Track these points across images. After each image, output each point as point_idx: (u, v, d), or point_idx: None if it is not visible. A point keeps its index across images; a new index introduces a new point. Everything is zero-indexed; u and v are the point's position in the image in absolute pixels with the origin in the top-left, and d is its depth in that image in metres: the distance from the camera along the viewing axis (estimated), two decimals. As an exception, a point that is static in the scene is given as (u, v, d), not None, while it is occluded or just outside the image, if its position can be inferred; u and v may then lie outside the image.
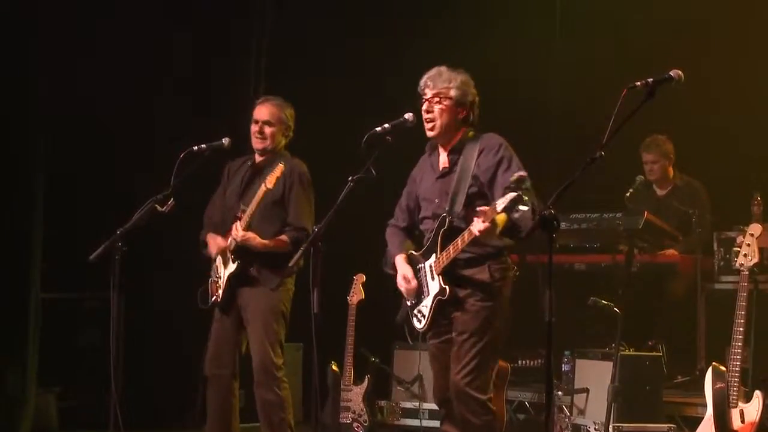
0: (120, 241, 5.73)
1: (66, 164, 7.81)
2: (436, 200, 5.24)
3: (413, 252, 5.33)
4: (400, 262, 5.31)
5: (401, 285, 5.24)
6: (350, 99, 8.41)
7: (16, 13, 7.37)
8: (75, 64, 7.69)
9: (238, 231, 5.98)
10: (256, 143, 6.20)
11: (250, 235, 5.98)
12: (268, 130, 6.16)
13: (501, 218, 4.76)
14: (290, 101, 6.29)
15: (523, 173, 4.69)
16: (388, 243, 5.48)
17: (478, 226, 4.77)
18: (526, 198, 4.56)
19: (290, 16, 8.54)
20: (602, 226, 7.22)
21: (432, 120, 5.18)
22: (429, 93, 5.18)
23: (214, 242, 6.14)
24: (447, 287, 5.07)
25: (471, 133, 5.25)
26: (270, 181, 5.83)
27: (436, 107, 5.17)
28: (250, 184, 6.12)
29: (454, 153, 5.23)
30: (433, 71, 5.22)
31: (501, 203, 4.64)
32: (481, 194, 5.09)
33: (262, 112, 6.19)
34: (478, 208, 4.82)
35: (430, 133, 5.23)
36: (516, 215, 4.66)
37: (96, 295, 6.85)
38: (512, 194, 4.57)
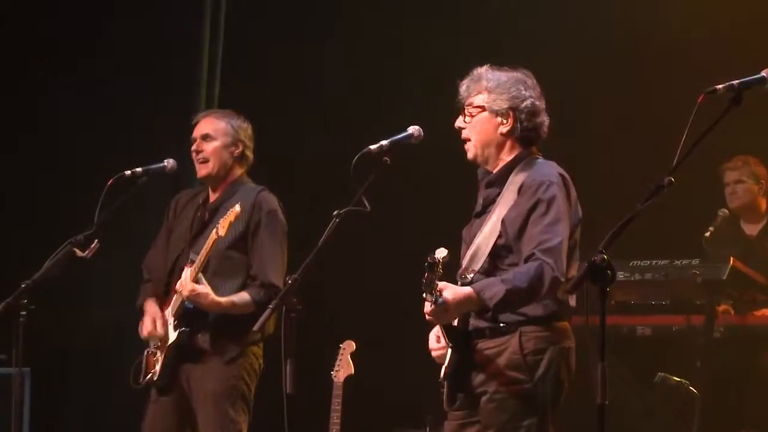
0: (25, 297, 5.12)
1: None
2: (464, 246, 4.67)
3: None
4: None
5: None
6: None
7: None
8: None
9: (185, 284, 5.29)
10: (198, 169, 5.63)
11: (202, 289, 5.29)
12: (207, 146, 5.57)
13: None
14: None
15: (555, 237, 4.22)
16: None
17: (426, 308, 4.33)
18: None
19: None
20: (673, 276, 6.57)
21: (466, 139, 4.53)
22: (464, 103, 4.56)
23: (148, 318, 5.55)
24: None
25: (536, 155, 4.48)
26: (222, 226, 5.24)
27: (468, 121, 4.51)
28: (202, 228, 5.54)
29: (492, 186, 4.54)
30: (472, 73, 4.55)
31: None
32: (508, 247, 4.41)
33: (200, 126, 5.66)
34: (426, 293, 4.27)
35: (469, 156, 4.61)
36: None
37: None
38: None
